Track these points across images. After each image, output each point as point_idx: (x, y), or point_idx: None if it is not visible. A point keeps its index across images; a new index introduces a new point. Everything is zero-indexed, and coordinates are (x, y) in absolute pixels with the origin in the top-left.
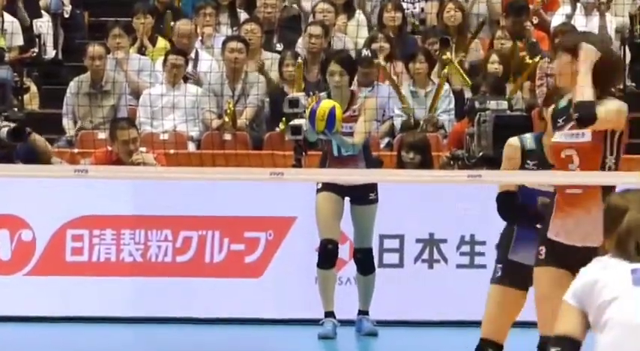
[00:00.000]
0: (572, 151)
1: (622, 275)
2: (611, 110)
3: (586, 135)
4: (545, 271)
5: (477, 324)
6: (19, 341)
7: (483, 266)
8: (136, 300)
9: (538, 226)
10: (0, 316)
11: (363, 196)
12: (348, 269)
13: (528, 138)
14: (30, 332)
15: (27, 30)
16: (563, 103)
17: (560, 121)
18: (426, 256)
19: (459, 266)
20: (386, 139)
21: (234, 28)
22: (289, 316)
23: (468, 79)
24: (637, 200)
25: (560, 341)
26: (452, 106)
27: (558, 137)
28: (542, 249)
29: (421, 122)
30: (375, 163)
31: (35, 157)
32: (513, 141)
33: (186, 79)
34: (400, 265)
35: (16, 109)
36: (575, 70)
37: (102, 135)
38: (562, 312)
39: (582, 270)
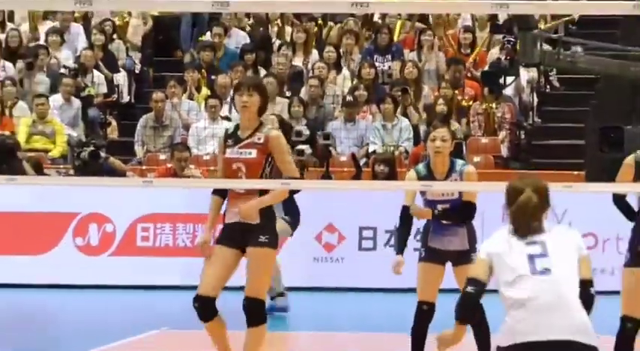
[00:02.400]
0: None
1: (520, 256)
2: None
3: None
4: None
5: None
6: (104, 302)
7: None
8: (187, 273)
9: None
10: (91, 285)
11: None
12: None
13: (420, 167)
14: (111, 296)
15: (109, 82)
16: None
17: None
18: (392, 242)
19: (415, 249)
20: (364, 159)
21: None
22: None
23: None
24: (532, 183)
25: (472, 281)
26: (411, 135)
27: None
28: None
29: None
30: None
31: (114, 173)
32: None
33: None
34: (374, 248)
35: (101, 138)
36: None
37: (162, 156)
38: (477, 263)
39: (494, 234)
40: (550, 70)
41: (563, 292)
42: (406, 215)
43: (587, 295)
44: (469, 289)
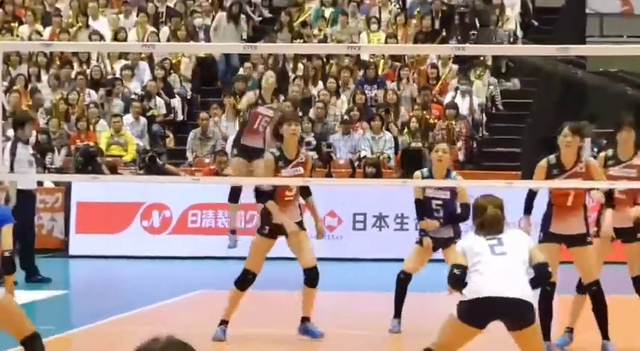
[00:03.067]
0: None
1: (483, 245)
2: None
3: None
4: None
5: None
6: (162, 269)
7: (407, 230)
8: (223, 248)
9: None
10: (153, 256)
11: None
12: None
13: (425, 170)
14: (167, 265)
15: (167, 105)
16: None
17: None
18: (377, 224)
19: (395, 230)
20: (357, 163)
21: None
22: None
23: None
24: (492, 201)
25: (457, 266)
26: (392, 145)
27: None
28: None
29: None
30: None
31: (169, 174)
32: (417, 174)
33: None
34: (364, 229)
35: (161, 147)
36: None
37: (207, 160)
38: (456, 255)
39: (468, 235)
40: (495, 96)
41: (513, 267)
42: (419, 205)
43: (541, 271)
44: (456, 271)
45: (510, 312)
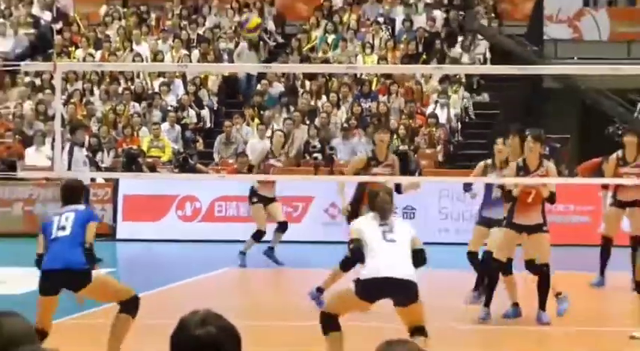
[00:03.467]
0: None
1: (376, 231)
2: None
3: None
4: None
5: None
6: (193, 251)
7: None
8: (245, 232)
9: None
10: (186, 240)
11: None
12: None
13: None
14: (197, 247)
15: (198, 115)
16: None
17: None
18: None
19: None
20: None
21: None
22: None
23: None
24: (384, 189)
25: (354, 240)
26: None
27: None
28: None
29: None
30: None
31: (199, 172)
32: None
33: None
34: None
35: (192, 149)
36: None
37: (230, 160)
38: (352, 232)
39: (361, 218)
40: (468, 107)
41: (401, 253)
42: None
43: (421, 255)
44: (352, 245)
45: (399, 291)
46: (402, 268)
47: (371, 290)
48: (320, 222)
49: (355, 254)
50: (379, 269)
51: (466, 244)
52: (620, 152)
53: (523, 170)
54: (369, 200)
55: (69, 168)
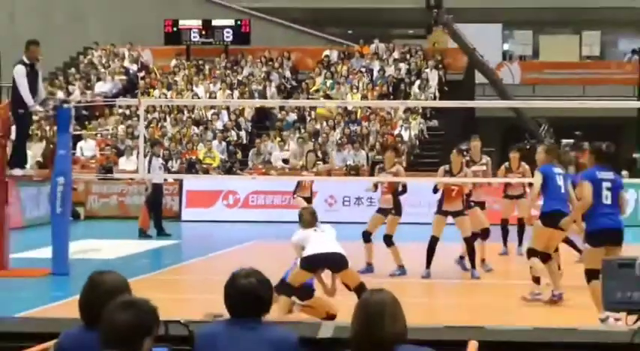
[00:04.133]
0: None
1: (310, 231)
2: None
3: None
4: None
5: None
6: (233, 230)
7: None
8: (273, 216)
9: None
10: (229, 220)
11: None
12: None
13: None
14: (237, 226)
15: (237, 135)
16: None
17: None
18: (356, 203)
19: (368, 206)
20: (345, 168)
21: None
22: None
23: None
24: (307, 209)
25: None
26: (365, 158)
27: None
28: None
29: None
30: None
31: (237, 174)
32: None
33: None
34: (349, 205)
35: (234, 158)
36: None
37: (260, 166)
38: (294, 245)
39: (299, 231)
40: (423, 130)
41: (330, 238)
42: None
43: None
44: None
45: (333, 261)
46: (333, 247)
47: (313, 263)
48: (322, 210)
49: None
50: (317, 249)
51: (420, 223)
52: (507, 163)
53: (449, 173)
54: (300, 218)
55: (148, 171)
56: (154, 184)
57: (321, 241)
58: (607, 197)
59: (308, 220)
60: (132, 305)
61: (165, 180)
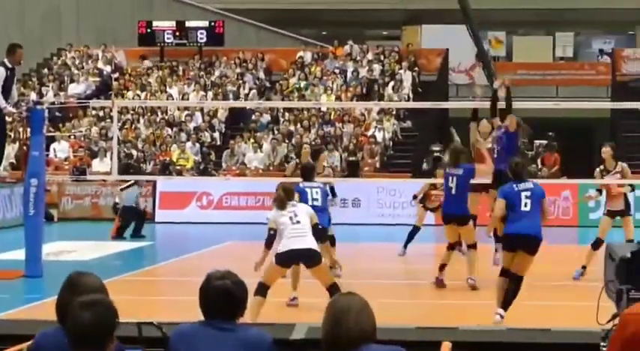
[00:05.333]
0: None
1: (286, 217)
2: None
3: None
4: None
5: None
6: (206, 230)
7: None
8: (247, 218)
9: None
10: (203, 222)
11: None
12: None
13: None
14: (209, 228)
15: (211, 136)
16: None
17: None
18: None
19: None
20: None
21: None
22: None
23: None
24: (283, 186)
25: (272, 229)
26: (339, 159)
27: None
28: None
29: None
30: None
31: (211, 175)
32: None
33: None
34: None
35: (208, 160)
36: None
37: (233, 167)
38: (270, 222)
39: (272, 212)
40: (397, 131)
41: (305, 230)
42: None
43: (318, 230)
44: (271, 231)
45: (307, 257)
46: (307, 242)
47: (286, 259)
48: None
49: (271, 237)
50: (291, 244)
51: (395, 224)
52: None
53: (605, 172)
54: (277, 199)
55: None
56: (125, 207)
57: (295, 234)
58: (526, 204)
59: (281, 197)
60: (92, 304)
61: (138, 183)
